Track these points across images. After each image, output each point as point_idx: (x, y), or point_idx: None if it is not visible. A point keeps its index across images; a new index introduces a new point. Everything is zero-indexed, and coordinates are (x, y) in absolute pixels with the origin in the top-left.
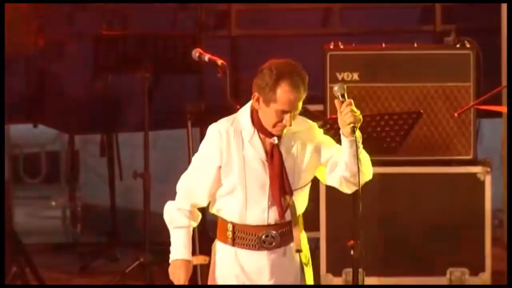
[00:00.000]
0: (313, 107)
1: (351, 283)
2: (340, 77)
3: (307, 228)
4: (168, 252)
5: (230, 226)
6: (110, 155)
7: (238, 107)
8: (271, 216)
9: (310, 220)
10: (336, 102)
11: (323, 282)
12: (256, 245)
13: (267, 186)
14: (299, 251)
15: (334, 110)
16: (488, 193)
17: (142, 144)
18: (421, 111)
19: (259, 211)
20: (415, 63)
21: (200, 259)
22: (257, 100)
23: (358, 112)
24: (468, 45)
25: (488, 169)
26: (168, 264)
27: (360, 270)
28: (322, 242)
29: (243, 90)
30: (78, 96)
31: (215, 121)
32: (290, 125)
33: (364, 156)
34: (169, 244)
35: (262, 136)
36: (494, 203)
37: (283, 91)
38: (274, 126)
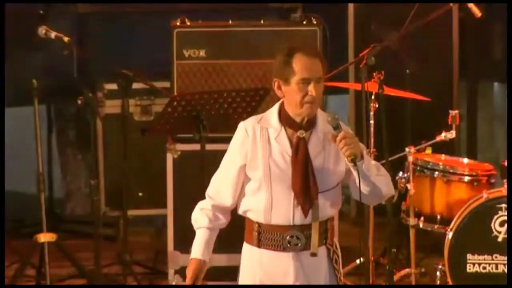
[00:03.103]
0: (160, 84)
1: None
2: (187, 54)
3: (157, 206)
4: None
5: (256, 227)
6: None
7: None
8: (297, 216)
9: (158, 197)
10: (330, 135)
11: (170, 259)
12: (281, 246)
13: None
14: (314, 254)
15: (181, 87)
16: None
17: None
18: (268, 87)
19: (284, 211)
20: (262, 40)
21: (47, 237)
22: (278, 86)
23: (353, 144)
24: (314, 22)
25: None
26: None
27: None
28: (169, 219)
29: (90, 67)
30: None
31: (62, 98)
32: (317, 95)
33: (380, 179)
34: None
35: (289, 132)
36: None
37: (298, 60)
38: (302, 104)
